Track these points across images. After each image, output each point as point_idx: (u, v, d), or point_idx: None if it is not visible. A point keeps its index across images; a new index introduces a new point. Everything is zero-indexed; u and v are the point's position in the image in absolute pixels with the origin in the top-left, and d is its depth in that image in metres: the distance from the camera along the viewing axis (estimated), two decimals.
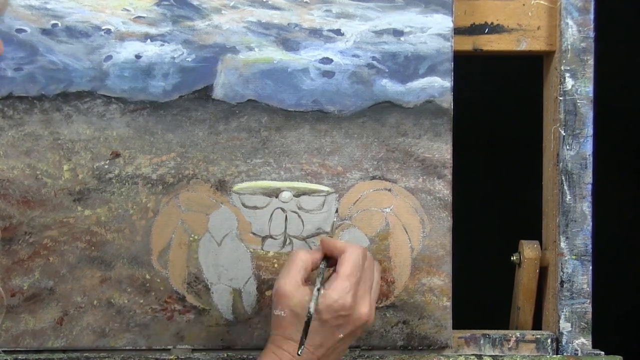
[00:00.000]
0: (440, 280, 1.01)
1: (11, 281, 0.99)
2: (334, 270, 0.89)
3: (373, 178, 1.01)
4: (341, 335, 0.88)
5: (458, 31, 1.03)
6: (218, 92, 1.00)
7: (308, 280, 0.89)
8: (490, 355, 1.03)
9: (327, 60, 1.01)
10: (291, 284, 0.87)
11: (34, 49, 0.99)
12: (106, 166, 1.00)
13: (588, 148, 1.03)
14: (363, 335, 0.98)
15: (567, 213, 1.02)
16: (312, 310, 0.85)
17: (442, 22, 1.01)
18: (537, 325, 1.08)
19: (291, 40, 1.00)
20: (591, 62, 1.02)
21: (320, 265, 0.90)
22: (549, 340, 1.04)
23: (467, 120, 1.14)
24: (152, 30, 1.00)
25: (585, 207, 1.03)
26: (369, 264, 0.91)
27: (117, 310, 1.00)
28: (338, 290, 0.86)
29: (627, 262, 1.47)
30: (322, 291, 0.87)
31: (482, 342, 1.04)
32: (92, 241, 1.00)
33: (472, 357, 1.02)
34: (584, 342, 1.03)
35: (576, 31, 1.02)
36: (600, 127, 1.06)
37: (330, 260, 0.91)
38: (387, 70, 1.01)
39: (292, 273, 0.88)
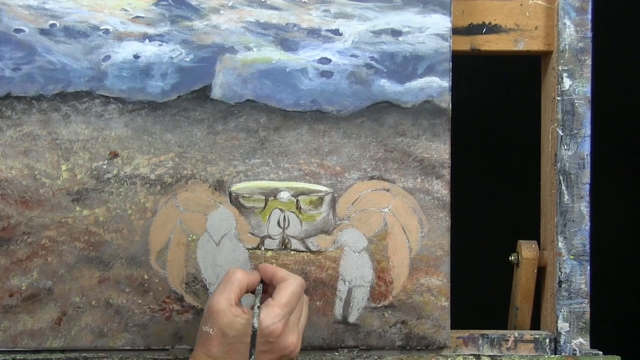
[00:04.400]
0: (439, 280, 1.01)
1: (9, 281, 0.99)
2: (269, 296, 0.90)
3: (371, 178, 1.01)
4: None
5: (456, 31, 1.03)
6: (216, 92, 1.00)
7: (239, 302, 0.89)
8: (488, 355, 1.03)
9: (325, 60, 1.01)
10: (225, 302, 0.87)
11: (32, 49, 0.99)
12: (104, 166, 1.00)
13: (586, 148, 1.03)
14: None
15: (565, 213, 1.03)
16: (256, 325, 0.85)
17: (440, 22, 1.01)
18: (535, 325, 1.08)
19: (289, 40, 1.01)
20: (589, 62, 1.03)
21: (257, 288, 0.90)
22: (547, 340, 1.04)
23: (465, 121, 1.14)
24: (151, 30, 1.00)
25: (583, 207, 1.03)
26: (303, 297, 0.92)
27: (115, 310, 1.00)
28: (271, 316, 0.87)
29: (625, 262, 1.48)
30: (259, 310, 0.86)
31: (480, 342, 1.04)
32: (91, 241, 1.00)
33: (470, 357, 1.02)
34: (582, 342, 1.03)
35: (574, 31, 1.02)
36: (598, 127, 1.06)
37: (265, 285, 0.92)
38: (385, 70, 1.01)
39: (227, 291, 0.88)
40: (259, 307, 0.87)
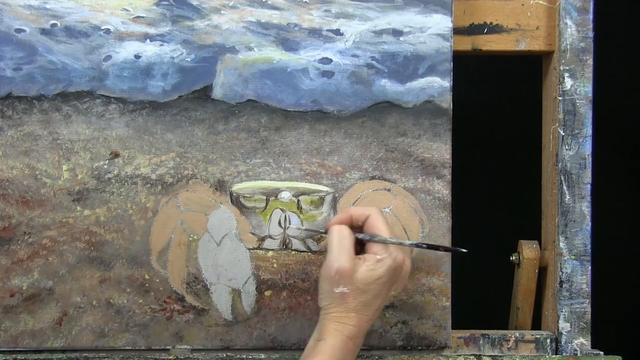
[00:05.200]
0: (440, 280, 1.01)
1: (10, 281, 0.99)
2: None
3: (372, 178, 1.01)
4: (393, 293, 0.92)
5: (457, 31, 1.03)
6: (217, 92, 1.00)
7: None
8: (489, 356, 1.03)
9: (326, 60, 1.01)
10: (350, 260, 0.89)
11: (33, 49, 0.99)
12: (105, 166, 1.00)
13: (587, 148, 1.03)
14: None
15: (566, 213, 1.02)
16: (416, 241, 0.92)
17: (441, 22, 1.01)
18: (536, 325, 1.08)
19: (290, 40, 1.00)
20: (590, 62, 1.03)
21: (358, 235, 0.92)
22: (548, 340, 1.04)
23: (466, 120, 1.14)
24: (152, 30, 1.00)
25: (585, 207, 1.03)
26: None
27: (116, 311, 1.00)
28: (381, 248, 0.90)
29: (626, 262, 1.47)
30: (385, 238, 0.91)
31: (481, 342, 1.04)
32: (92, 241, 1.00)
33: (471, 357, 1.02)
34: (583, 342, 1.03)
35: (575, 31, 1.02)
36: (600, 127, 1.06)
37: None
38: (386, 70, 1.01)
39: (347, 250, 0.90)
40: (384, 238, 0.90)
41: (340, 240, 0.91)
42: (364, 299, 0.89)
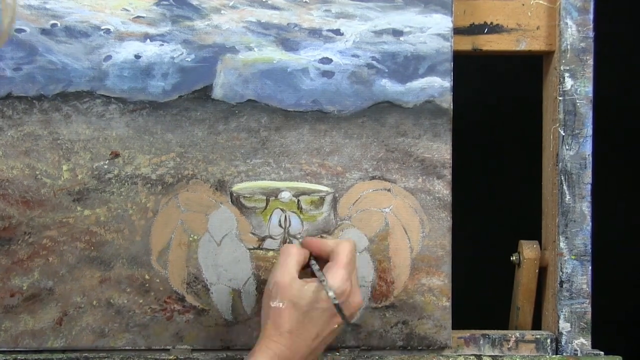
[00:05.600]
0: (440, 280, 1.01)
1: (10, 281, 0.99)
2: (323, 264, 0.92)
3: (372, 178, 1.01)
4: (336, 326, 0.90)
5: (457, 31, 1.03)
6: (217, 92, 1.00)
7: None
8: (489, 356, 1.03)
9: (326, 60, 1.01)
10: (289, 276, 0.89)
11: (33, 49, 0.99)
12: (105, 166, 1.00)
13: (587, 148, 1.03)
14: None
15: (567, 213, 1.02)
16: (332, 294, 0.87)
17: (441, 22, 1.01)
18: (536, 325, 1.08)
19: (291, 40, 1.00)
20: (590, 62, 1.02)
21: (312, 262, 0.92)
22: (549, 341, 1.04)
23: (466, 121, 1.14)
24: (152, 30, 1.00)
25: (585, 207, 1.03)
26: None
27: (116, 311, 1.00)
28: (338, 279, 0.89)
29: (626, 262, 1.47)
30: (326, 280, 0.88)
31: (481, 342, 1.04)
32: (92, 241, 0.99)
33: (471, 357, 1.02)
34: (583, 342, 1.03)
35: (575, 31, 1.02)
36: (600, 127, 1.06)
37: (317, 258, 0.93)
38: (386, 70, 1.01)
39: (289, 266, 0.90)
40: (324, 279, 0.89)
41: (284, 257, 0.91)
42: (300, 319, 0.87)
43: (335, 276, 0.89)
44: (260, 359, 0.86)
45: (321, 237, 1.00)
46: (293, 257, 0.91)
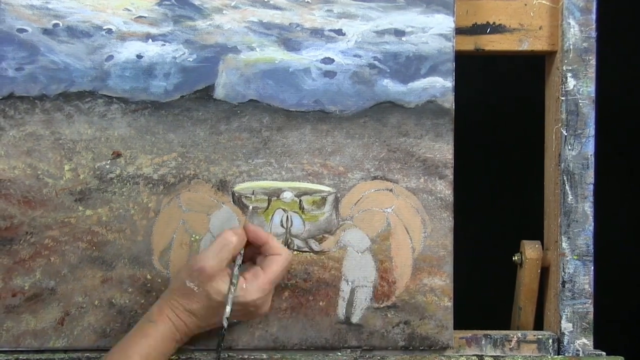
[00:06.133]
0: (442, 280, 1.01)
1: (12, 281, 0.99)
2: (249, 259, 0.94)
3: (374, 178, 1.01)
4: (240, 321, 0.95)
5: (460, 31, 1.03)
6: (219, 92, 1.00)
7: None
8: (491, 356, 1.02)
9: (328, 60, 1.00)
10: (218, 266, 0.90)
11: (35, 49, 0.99)
12: (107, 166, 1.00)
13: (590, 148, 1.02)
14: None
15: (569, 213, 1.02)
16: (225, 325, 0.90)
17: (443, 22, 1.00)
18: (538, 325, 1.08)
19: (292, 40, 1.00)
20: (593, 62, 1.02)
21: (238, 258, 0.92)
22: (551, 341, 1.04)
23: (468, 121, 1.14)
24: (154, 30, 1.00)
25: (587, 207, 1.02)
26: None
27: (118, 311, 1.00)
28: (259, 291, 0.91)
29: (628, 263, 1.47)
30: (235, 293, 0.90)
31: (483, 342, 1.04)
32: (94, 241, 1.00)
33: (473, 357, 1.02)
34: (585, 342, 1.03)
35: (578, 31, 1.02)
36: (602, 127, 1.06)
37: (248, 247, 0.94)
38: (388, 70, 1.01)
39: (221, 255, 0.91)
40: (234, 289, 0.90)
41: (222, 245, 0.91)
42: (206, 308, 0.90)
43: (258, 288, 0.91)
44: (162, 327, 0.90)
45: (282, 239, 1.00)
46: (229, 246, 0.91)
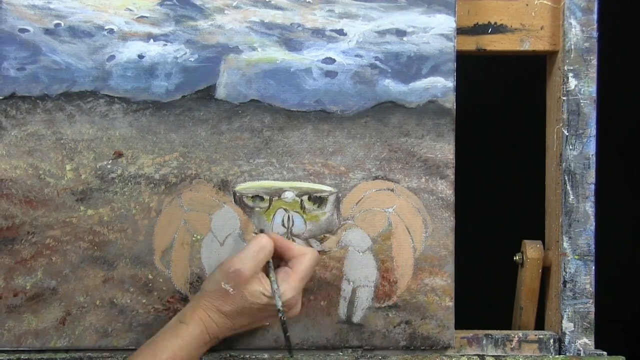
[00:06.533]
0: (443, 280, 1.01)
1: (14, 281, 0.99)
2: (284, 264, 0.95)
3: (376, 178, 1.01)
4: (267, 323, 0.95)
5: (461, 31, 1.03)
6: (221, 92, 1.00)
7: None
8: (492, 356, 1.02)
9: (329, 60, 1.01)
10: (252, 271, 0.91)
11: (36, 49, 0.99)
12: (109, 166, 1.00)
13: (591, 148, 1.02)
14: None
15: (570, 213, 1.02)
16: (281, 307, 0.91)
17: (444, 22, 1.00)
18: (539, 325, 1.08)
19: (294, 40, 1.00)
20: (594, 62, 1.02)
21: (270, 266, 0.94)
22: (552, 341, 1.04)
23: (469, 120, 1.14)
24: (155, 30, 1.00)
25: (588, 207, 1.02)
26: None
27: (119, 310, 1.00)
28: (292, 288, 0.93)
29: (629, 262, 1.47)
30: (279, 290, 0.91)
31: (484, 342, 1.04)
32: (95, 241, 1.00)
33: (474, 357, 1.02)
34: (586, 342, 1.03)
35: (579, 31, 1.02)
36: (604, 127, 1.06)
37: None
38: (389, 71, 1.01)
39: (258, 260, 0.92)
40: (277, 287, 0.91)
41: (259, 249, 0.92)
42: (240, 309, 0.91)
43: (290, 287, 0.92)
44: (193, 328, 0.91)
45: (291, 239, 1.00)
46: (266, 253, 0.92)
